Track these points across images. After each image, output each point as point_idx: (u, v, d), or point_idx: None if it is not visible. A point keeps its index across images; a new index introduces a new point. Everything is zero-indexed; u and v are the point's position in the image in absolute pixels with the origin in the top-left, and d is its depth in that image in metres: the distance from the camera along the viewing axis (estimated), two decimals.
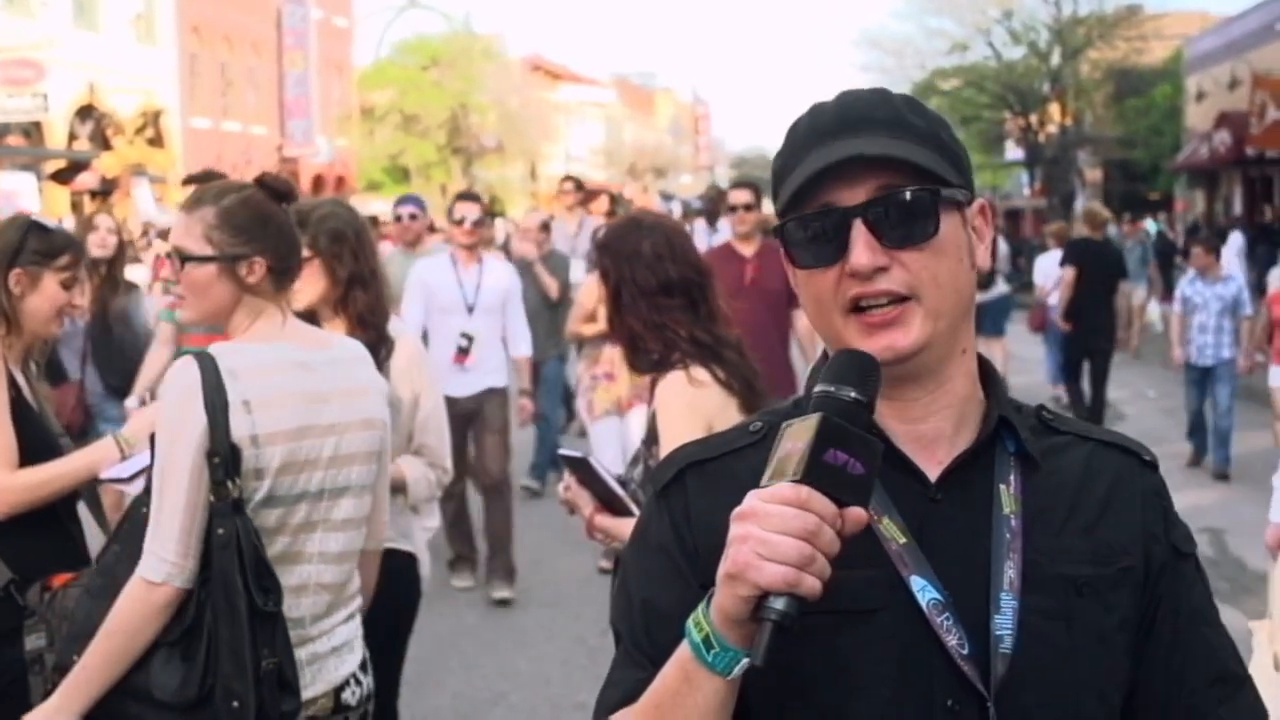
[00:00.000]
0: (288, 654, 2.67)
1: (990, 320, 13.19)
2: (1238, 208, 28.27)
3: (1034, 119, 38.32)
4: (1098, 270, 11.84)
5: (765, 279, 6.83)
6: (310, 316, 3.57)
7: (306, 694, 2.75)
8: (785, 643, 1.22)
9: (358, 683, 2.91)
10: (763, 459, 1.33)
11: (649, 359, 3.36)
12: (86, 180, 25.49)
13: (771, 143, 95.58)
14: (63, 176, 25.42)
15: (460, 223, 7.57)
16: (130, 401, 6.27)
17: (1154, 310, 18.94)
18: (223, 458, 2.59)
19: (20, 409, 3.22)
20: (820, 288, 1.42)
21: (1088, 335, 11.87)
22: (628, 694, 1.40)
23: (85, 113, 29.58)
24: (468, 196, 7.98)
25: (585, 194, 10.83)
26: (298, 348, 2.79)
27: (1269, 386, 10.31)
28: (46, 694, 2.72)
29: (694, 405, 3.21)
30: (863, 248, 1.37)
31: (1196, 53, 32.18)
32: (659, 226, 3.49)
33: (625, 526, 3.02)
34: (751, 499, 1.25)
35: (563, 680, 6.24)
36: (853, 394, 1.28)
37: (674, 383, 3.27)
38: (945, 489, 1.43)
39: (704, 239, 12.03)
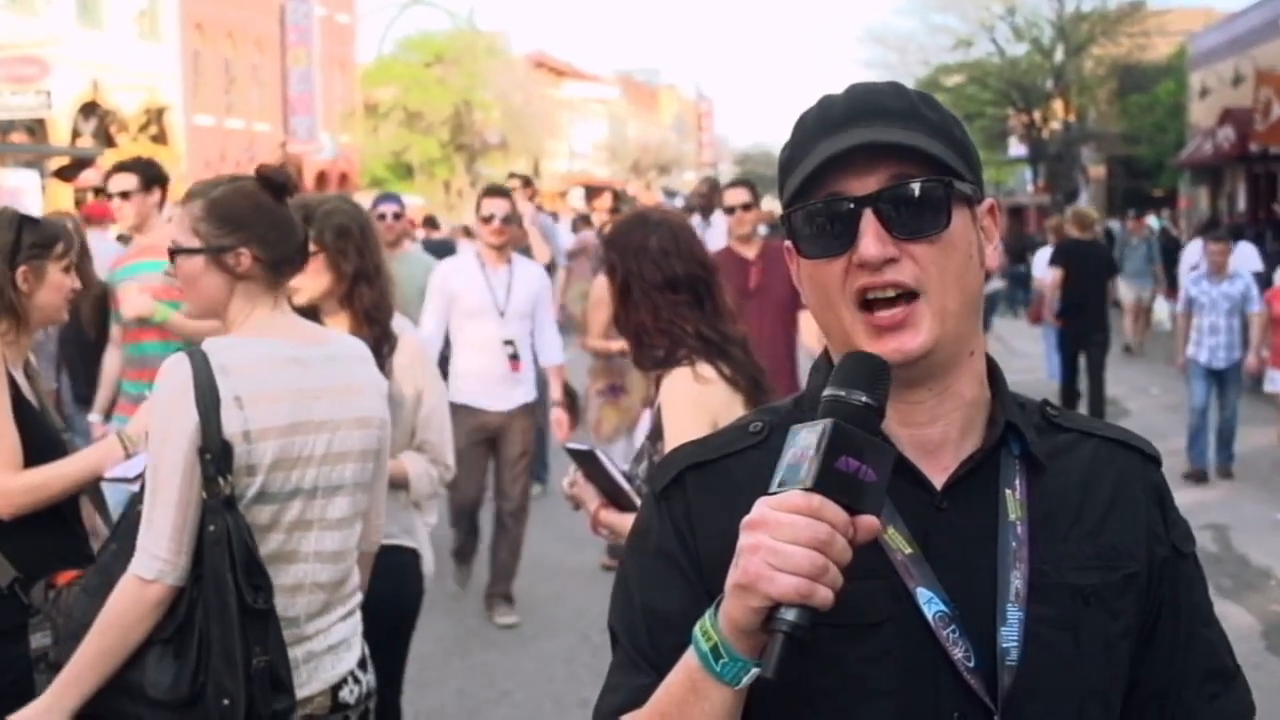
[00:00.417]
0: (280, 652, 2.66)
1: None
2: (1242, 204, 28.19)
3: (1037, 115, 38.33)
4: (1086, 269, 12.19)
5: (770, 283, 6.53)
6: (314, 311, 3.58)
7: (303, 692, 2.75)
8: (797, 654, 1.20)
9: (356, 681, 2.90)
10: (764, 460, 1.31)
11: (654, 355, 3.36)
12: (90, 178, 25.46)
13: (775, 139, 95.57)
14: (66, 174, 25.39)
15: (488, 220, 6.93)
16: (93, 417, 6.09)
17: (1161, 308, 18.93)
18: (214, 454, 2.59)
19: (21, 408, 3.22)
20: (826, 278, 1.39)
21: (1080, 331, 12.24)
22: (628, 699, 1.38)
23: (89, 110, 29.57)
24: (496, 191, 7.32)
25: (532, 190, 10.67)
26: (292, 343, 2.78)
27: (1266, 391, 10.28)
28: None
29: (699, 402, 3.21)
30: (872, 238, 1.34)
31: (1200, 49, 32.09)
32: (666, 222, 3.49)
33: (631, 523, 3.02)
34: (762, 507, 1.22)
35: (566, 677, 6.24)
36: (863, 399, 1.25)
37: (680, 379, 3.27)
38: (951, 497, 1.40)
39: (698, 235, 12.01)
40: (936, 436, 1.42)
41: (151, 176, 5.82)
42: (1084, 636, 1.39)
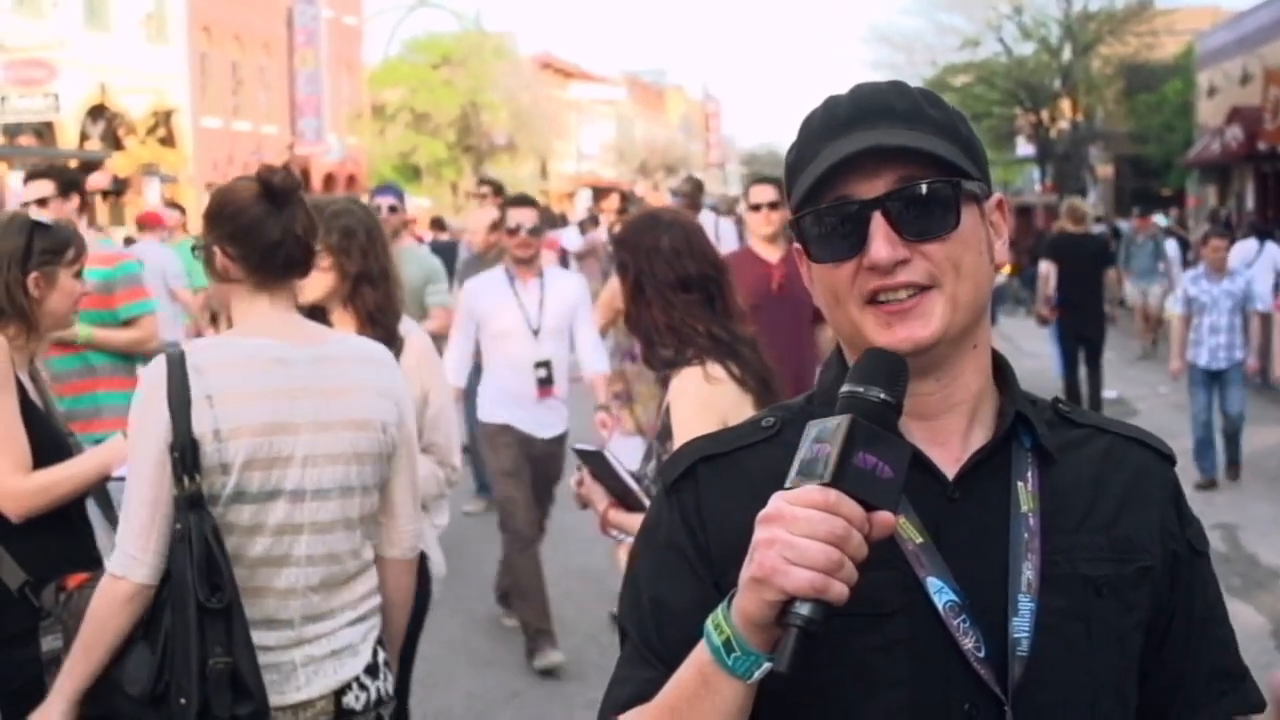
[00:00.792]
0: (248, 656, 2.64)
1: None
2: (1250, 203, 28.14)
3: (1045, 115, 38.32)
4: (1079, 262, 12.20)
5: (794, 286, 5.88)
6: (321, 312, 3.59)
7: (301, 696, 2.76)
8: (811, 649, 1.20)
9: (362, 687, 2.86)
10: (776, 455, 1.31)
11: (664, 355, 3.36)
12: (98, 180, 25.51)
13: (782, 139, 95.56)
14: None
15: (515, 231, 6.38)
16: None
17: (1172, 306, 18.86)
18: (183, 452, 2.61)
19: (28, 410, 3.23)
20: (837, 282, 1.39)
21: (1077, 324, 12.27)
22: (637, 693, 1.38)
23: (97, 113, 29.64)
24: (523, 200, 6.78)
25: (501, 196, 10.49)
26: (281, 343, 2.77)
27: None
28: None
29: (709, 401, 3.21)
30: (882, 240, 1.34)
31: (1208, 48, 32.04)
32: (677, 222, 3.51)
33: (640, 522, 3.02)
34: (778, 501, 1.22)
35: (575, 677, 6.23)
36: (881, 395, 1.26)
37: (689, 378, 3.27)
38: (962, 487, 1.40)
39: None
40: (945, 427, 1.42)
41: (68, 182, 5.73)
42: (1096, 628, 1.39)
